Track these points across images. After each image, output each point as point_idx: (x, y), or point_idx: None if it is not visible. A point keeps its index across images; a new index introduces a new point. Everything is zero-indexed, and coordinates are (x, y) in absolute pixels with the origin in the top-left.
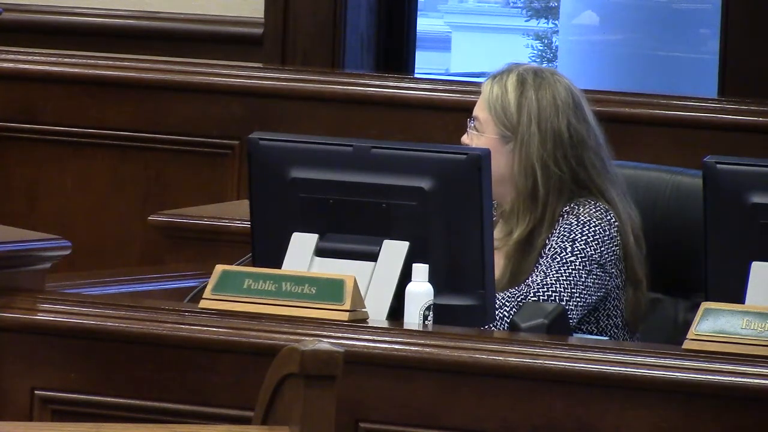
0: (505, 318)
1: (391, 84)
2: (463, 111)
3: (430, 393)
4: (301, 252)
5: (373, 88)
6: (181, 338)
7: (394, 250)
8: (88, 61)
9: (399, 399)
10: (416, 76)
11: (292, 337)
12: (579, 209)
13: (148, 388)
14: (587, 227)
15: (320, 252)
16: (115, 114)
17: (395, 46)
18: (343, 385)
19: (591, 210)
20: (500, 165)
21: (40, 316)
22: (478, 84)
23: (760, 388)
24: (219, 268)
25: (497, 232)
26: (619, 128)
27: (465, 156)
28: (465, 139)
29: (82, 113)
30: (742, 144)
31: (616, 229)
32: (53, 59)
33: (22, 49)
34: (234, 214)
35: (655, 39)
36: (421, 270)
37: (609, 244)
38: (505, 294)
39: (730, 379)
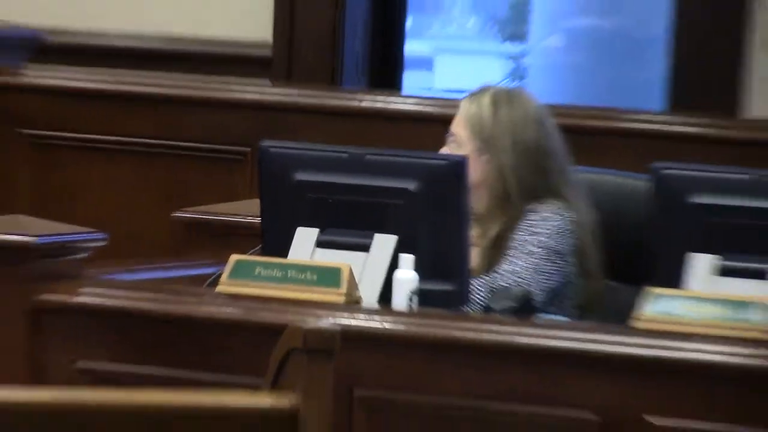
0: (479, 301)
1: (382, 100)
2: (445, 123)
3: (414, 365)
4: (304, 244)
5: (366, 103)
6: (201, 317)
7: (384, 243)
8: (119, 78)
9: (387, 369)
10: (404, 93)
11: (296, 317)
12: (542, 207)
13: (173, 360)
14: (548, 222)
15: (320, 244)
16: (142, 124)
17: (386, 67)
18: (339, 358)
19: (552, 208)
20: (476, 174)
21: (79, 299)
22: (457, 101)
23: (697, 361)
24: (233, 257)
25: (473, 232)
26: (580, 138)
27: (446, 162)
28: (444, 150)
29: (113, 123)
30: (685, 152)
31: (573, 224)
32: (89, 76)
33: (63, 67)
34: (246, 211)
35: (612, 60)
36: (407, 260)
37: (567, 237)
38: (479, 281)
39: (670, 353)
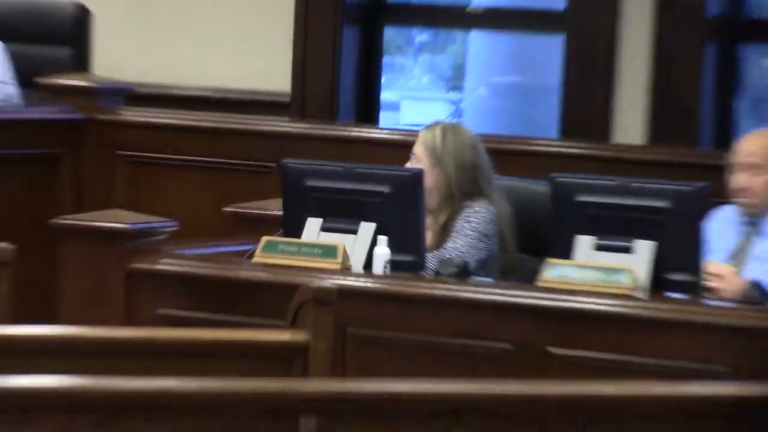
0: (432, 268)
1: (365, 131)
2: (408, 147)
3: (388, 312)
4: (312, 229)
5: (355, 133)
6: (241, 279)
7: (367, 228)
8: (186, 115)
9: (370, 315)
10: (380, 126)
11: (306, 278)
12: (474, 204)
13: (221, 308)
14: (479, 214)
15: (324, 229)
16: (202, 148)
17: (368, 109)
18: (337, 307)
19: (481, 205)
20: (430, 181)
21: (158, 266)
22: (417, 132)
23: (583, 309)
24: (264, 238)
25: (428, 221)
26: (500, 157)
27: (409, 173)
28: (408, 165)
29: (183, 147)
30: (572, 166)
31: (495, 216)
32: (165, 114)
33: (147, 109)
34: (273, 207)
35: (521, 104)
36: (382, 240)
37: (492, 224)
38: (431, 254)
39: (564, 304)
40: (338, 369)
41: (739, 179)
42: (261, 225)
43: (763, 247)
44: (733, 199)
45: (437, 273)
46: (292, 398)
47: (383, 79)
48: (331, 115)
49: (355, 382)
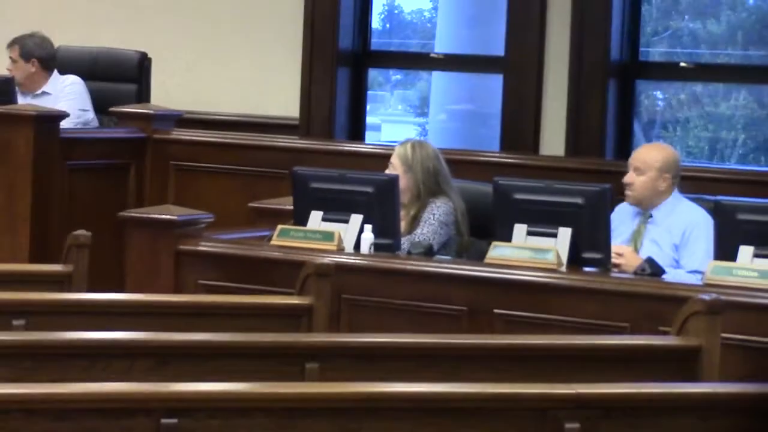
0: (405, 249)
1: (355, 146)
2: (387, 158)
3: (374, 281)
4: (315, 220)
5: (347, 148)
6: (263, 257)
7: (356, 219)
8: (220, 134)
9: (359, 284)
10: (366, 143)
11: (311, 257)
12: (437, 200)
13: (246, 279)
14: (440, 208)
15: (324, 220)
16: (232, 159)
17: (357, 129)
18: (334, 278)
19: (443, 201)
20: (403, 183)
21: (199, 247)
22: (393, 147)
23: (520, 279)
24: (279, 226)
25: (402, 213)
26: (455, 165)
27: (388, 178)
28: (387, 171)
29: (219, 158)
30: (509, 172)
31: (453, 209)
32: (205, 133)
33: (192, 129)
34: (286, 204)
35: (472, 126)
36: (368, 228)
37: (450, 215)
38: (405, 238)
39: (504, 275)
40: (335, 326)
41: (627, 177)
42: (277, 217)
43: (654, 232)
44: (624, 193)
45: (409, 252)
46: (299, 348)
47: (368, 107)
48: (329, 134)
49: (348, 335)
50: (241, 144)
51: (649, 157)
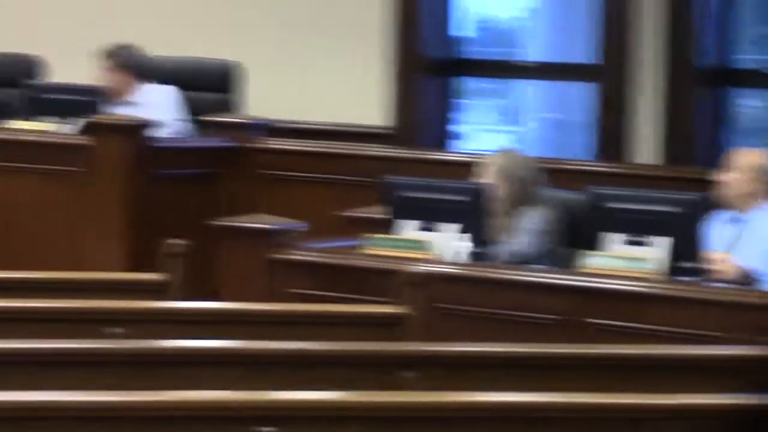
0: (499, 258)
1: (446, 154)
2: (479, 166)
3: (467, 290)
4: (410, 228)
5: (438, 156)
6: (356, 266)
7: (451, 228)
8: (314, 143)
9: (453, 292)
10: (457, 150)
11: (405, 265)
12: (530, 209)
13: (338, 288)
14: (535, 217)
15: (416, 228)
16: (326, 167)
17: (448, 137)
18: (427, 287)
19: (536, 210)
20: (499, 192)
21: (292, 256)
22: (486, 156)
23: (617, 290)
24: (371, 234)
25: (499, 222)
26: (549, 173)
27: (482, 186)
28: (480, 179)
29: (312, 167)
30: (605, 181)
31: (547, 217)
32: (296, 143)
33: (282, 138)
34: (377, 212)
35: (563, 133)
36: (463, 236)
37: (544, 224)
38: (500, 247)
39: (601, 285)
40: (428, 335)
41: (720, 175)
42: (368, 226)
43: (750, 238)
44: (718, 194)
45: (504, 261)
46: (394, 357)
47: (458, 116)
48: (419, 143)
49: (443, 344)
50: (332, 153)
51: (744, 159)
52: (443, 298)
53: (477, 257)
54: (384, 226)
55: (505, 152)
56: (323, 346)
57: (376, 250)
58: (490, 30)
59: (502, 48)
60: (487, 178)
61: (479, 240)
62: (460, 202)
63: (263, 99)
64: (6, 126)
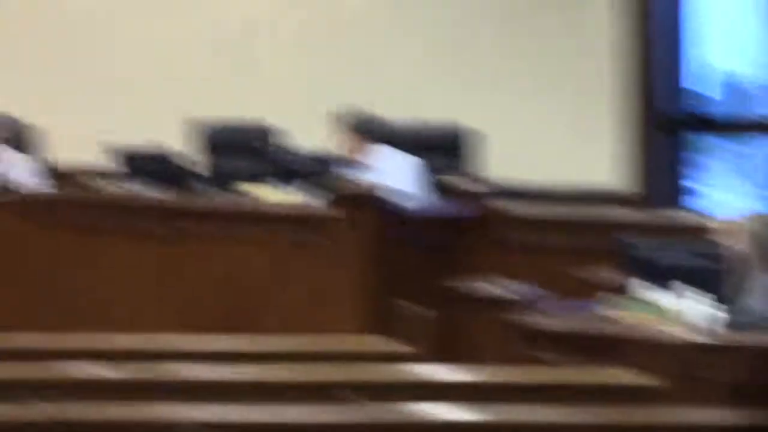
0: (753, 326)
1: (679, 216)
2: (721, 229)
3: (721, 358)
4: (647, 292)
5: (676, 218)
6: (606, 333)
7: (702, 294)
8: (548, 212)
9: (707, 364)
10: (699, 212)
11: (649, 332)
12: None
13: (583, 354)
14: None
15: (655, 291)
16: (563, 232)
17: (684, 198)
18: (679, 357)
19: None
20: (750, 257)
21: (533, 323)
22: (728, 218)
23: None
24: (610, 298)
25: (746, 288)
26: None
27: (734, 253)
28: (728, 242)
29: (547, 232)
30: None
31: None
32: (532, 210)
33: (518, 205)
34: (613, 274)
35: None
36: (714, 305)
37: None
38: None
39: None
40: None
41: None
42: (600, 287)
43: None
44: None
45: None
46: (653, 429)
47: (696, 174)
48: (654, 203)
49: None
50: (568, 221)
51: None
52: (697, 368)
53: (733, 326)
54: (619, 289)
55: (759, 216)
56: (569, 416)
57: (614, 311)
58: (729, 85)
59: (742, 105)
60: (736, 242)
61: (727, 306)
62: (712, 270)
63: (495, 161)
64: (253, 194)
